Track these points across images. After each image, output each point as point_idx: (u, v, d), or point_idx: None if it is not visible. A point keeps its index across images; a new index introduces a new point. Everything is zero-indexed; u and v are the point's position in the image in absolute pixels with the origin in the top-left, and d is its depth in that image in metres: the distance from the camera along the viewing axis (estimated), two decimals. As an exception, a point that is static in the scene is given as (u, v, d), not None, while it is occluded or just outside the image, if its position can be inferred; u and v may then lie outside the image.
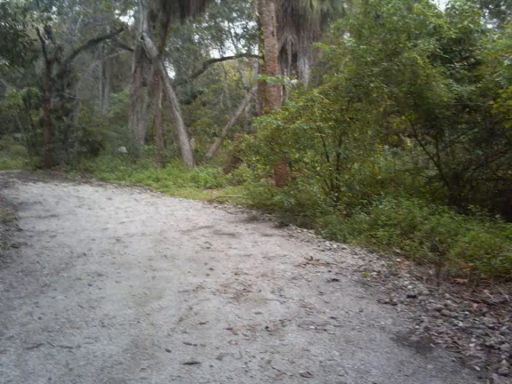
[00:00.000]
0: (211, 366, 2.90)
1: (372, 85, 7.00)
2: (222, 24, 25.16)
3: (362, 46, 7.06)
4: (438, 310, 3.83)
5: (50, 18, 18.29)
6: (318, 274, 4.93)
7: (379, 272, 4.93)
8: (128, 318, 3.63)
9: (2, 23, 11.31)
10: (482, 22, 8.16)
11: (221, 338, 3.31)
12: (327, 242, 6.37)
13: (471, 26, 7.47)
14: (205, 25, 24.69)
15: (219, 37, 26.02)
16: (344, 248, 6.06)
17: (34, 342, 3.20)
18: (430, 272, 4.82)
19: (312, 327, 3.50)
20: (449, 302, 3.99)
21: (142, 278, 4.73)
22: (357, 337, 3.35)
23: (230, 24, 25.40)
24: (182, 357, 3.02)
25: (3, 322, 3.55)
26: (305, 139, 8.07)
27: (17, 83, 21.28)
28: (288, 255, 5.69)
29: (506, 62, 6.32)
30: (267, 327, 3.49)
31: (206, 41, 27.63)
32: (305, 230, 7.19)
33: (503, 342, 3.19)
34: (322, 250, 5.99)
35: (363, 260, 5.46)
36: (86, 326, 3.50)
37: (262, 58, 11.66)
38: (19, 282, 4.54)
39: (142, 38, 17.38)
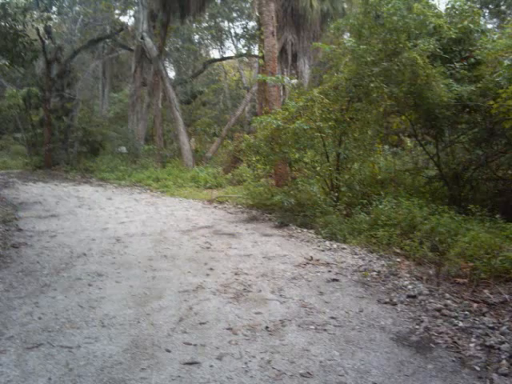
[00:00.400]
0: (211, 366, 2.90)
1: (372, 85, 7.00)
2: (222, 24, 25.16)
3: (362, 46, 7.06)
4: (438, 309, 3.83)
5: (50, 18, 18.29)
6: (318, 274, 4.93)
7: (379, 272, 4.93)
8: (128, 318, 3.63)
9: (2, 23, 11.31)
10: (482, 22, 8.16)
11: (221, 338, 3.31)
12: (327, 242, 6.37)
13: (471, 25, 7.47)
14: (205, 25, 24.69)
15: (219, 37, 26.02)
16: (344, 248, 6.06)
17: (34, 342, 3.20)
18: (430, 272, 4.82)
19: (312, 327, 3.50)
20: (449, 301, 3.99)
21: (142, 277, 4.73)
22: (357, 337, 3.35)
23: (230, 24, 25.43)
24: (182, 357, 3.02)
25: (3, 321, 3.55)
26: (305, 139, 8.07)
27: (17, 83, 21.28)
28: (288, 255, 5.69)
29: (506, 62, 6.32)
30: (267, 327, 3.49)
31: (206, 41, 27.63)
32: (305, 230, 7.19)
33: (503, 342, 3.19)
34: (322, 250, 5.99)
35: (363, 260, 5.46)
36: (86, 325, 3.50)
37: (262, 57, 11.66)
38: (19, 282, 4.54)
39: (142, 37, 17.38)
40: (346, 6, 19.09)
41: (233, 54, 24.74)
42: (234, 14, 24.23)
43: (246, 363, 2.94)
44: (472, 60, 7.17)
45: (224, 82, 27.30)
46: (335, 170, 8.03)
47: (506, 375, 2.80)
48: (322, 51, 14.31)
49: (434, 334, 3.38)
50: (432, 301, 4.03)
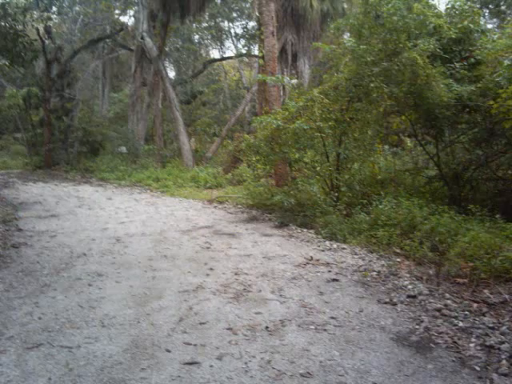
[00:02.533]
0: (211, 366, 2.90)
1: (372, 85, 7.00)
2: (222, 24, 25.16)
3: (362, 46, 7.06)
4: (438, 309, 3.83)
5: (50, 18, 18.28)
6: (318, 274, 4.93)
7: (379, 272, 4.93)
8: (128, 318, 3.63)
9: (2, 23, 11.30)
10: (482, 22, 8.16)
11: (221, 338, 3.31)
12: (327, 242, 6.37)
13: (471, 25, 7.47)
14: (205, 25, 24.69)
15: (219, 37, 26.02)
16: (344, 248, 6.06)
17: (34, 342, 3.20)
18: (430, 272, 4.82)
19: (312, 327, 3.50)
20: (449, 301, 3.99)
21: (142, 277, 4.73)
22: (357, 337, 3.35)
23: (230, 24, 25.44)
24: (182, 357, 3.02)
25: (3, 321, 3.55)
26: (305, 139, 8.07)
27: (17, 83, 21.28)
28: (288, 255, 5.69)
29: (506, 62, 6.32)
30: (267, 327, 3.49)
31: (206, 41, 27.63)
32: (305, 230, 7.19)
33: (503, 342, 3.19)
34: (322, 250, 5.99)
35: (363, 260, 5.46)
36: (86, 325, 3.50)
37: (262, 57, 11.66)
38: (19, 282, 4.54)
39: (142, 37, 17.38)
40: (346, 5, 19.09)
41: (233, 54, 24.75)
42: (234, 14, 24.23)
43: (245, 363, 2.94)
44: (472, 60, 7.16)
45: (224, 82, 27.30)
46: (335, 170, 8.03)
47: (506, 375, 2.80)
48: (322, 51, 14.30)
49: (434, 334, 3.38)
50: (432, 301, 4.03)
